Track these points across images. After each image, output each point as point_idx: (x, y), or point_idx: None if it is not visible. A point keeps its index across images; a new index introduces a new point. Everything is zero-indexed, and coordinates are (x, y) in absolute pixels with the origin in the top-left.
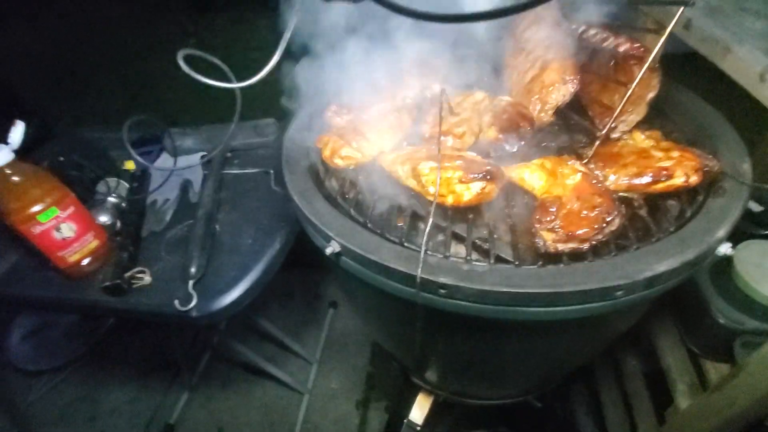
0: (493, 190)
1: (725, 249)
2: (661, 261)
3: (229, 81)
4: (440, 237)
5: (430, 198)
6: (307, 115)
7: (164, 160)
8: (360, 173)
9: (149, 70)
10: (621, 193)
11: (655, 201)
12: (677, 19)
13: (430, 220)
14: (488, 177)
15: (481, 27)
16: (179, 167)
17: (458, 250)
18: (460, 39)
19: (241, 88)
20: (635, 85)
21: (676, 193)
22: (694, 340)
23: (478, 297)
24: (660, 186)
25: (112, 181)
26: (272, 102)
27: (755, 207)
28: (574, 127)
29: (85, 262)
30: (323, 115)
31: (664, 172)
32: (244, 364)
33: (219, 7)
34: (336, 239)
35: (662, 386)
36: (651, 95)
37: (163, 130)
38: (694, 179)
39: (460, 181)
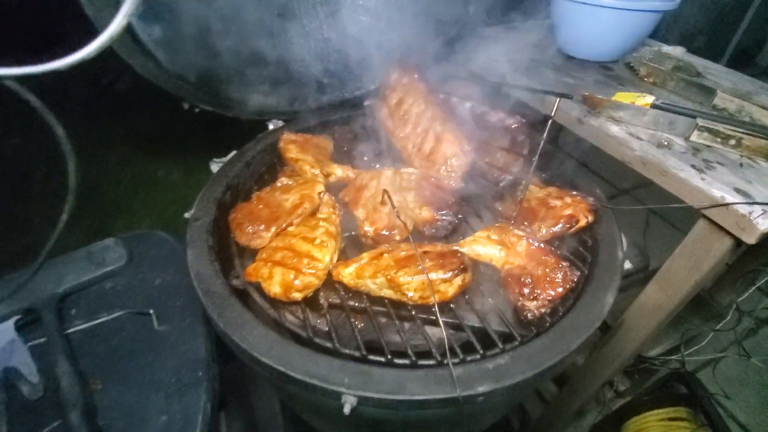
0: (470, 278)
1: (627, 266)
2: (606, 293)
3: None
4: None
5: (410, 302)
6: (203, 235)
7: None
8: (320, 298)
9: None
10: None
11: (566, 239)
12: (556, 108)
13: (444, 332)
14: (464, 268)
15: None
16: None
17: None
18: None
19: None
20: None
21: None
22: None
23: (513, 388)
24: (572, 230)
25: None
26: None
27: None
28: (476, 186)
29: None
30: (237, 236)
31: (573, 219)
32: None
33: None
34: (348, 393)
35: None
36: (525, 152)
37: None
38: (591, 218)
39: (443, 282)
